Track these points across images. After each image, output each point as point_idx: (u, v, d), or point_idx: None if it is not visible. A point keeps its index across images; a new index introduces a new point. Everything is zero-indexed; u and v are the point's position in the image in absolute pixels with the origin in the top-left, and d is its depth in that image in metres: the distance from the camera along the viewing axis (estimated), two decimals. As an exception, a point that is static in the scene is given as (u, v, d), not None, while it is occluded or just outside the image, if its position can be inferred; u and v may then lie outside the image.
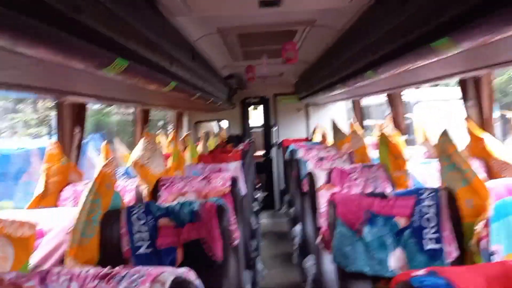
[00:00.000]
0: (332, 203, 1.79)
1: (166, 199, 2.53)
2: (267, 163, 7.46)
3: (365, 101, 7.07)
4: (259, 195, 5.96)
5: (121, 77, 1.63)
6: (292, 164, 4.48)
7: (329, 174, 2.70)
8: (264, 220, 6.73)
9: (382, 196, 1.81)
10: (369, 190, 2.63)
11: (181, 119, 6.52)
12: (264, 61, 3.32)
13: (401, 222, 1.74)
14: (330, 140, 5.33)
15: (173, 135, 5.86)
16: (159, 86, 2.07)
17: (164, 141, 5.86)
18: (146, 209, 1.78)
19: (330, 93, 4.08)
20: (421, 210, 1.74)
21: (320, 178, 2.68)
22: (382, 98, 8.20)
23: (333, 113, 7.27)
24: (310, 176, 2.70)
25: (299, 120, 7.35)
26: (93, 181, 1.71)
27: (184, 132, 6.98)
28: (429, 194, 1.77)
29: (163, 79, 2.06)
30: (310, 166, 3.55)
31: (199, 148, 4.91)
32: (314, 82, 4.44)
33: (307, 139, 6.37)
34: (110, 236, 1.71)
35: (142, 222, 1.74)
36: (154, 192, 2.55)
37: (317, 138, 6.22)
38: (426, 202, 1.75)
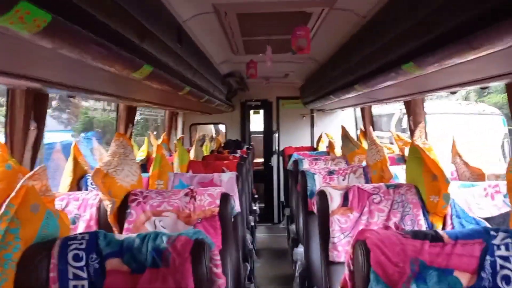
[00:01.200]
0: (362, 246, 1.22)
1: (136, 220, 1.97)
2: (266, 172, 6.89)
3: (374, 110, 6.58)
4: (256, 207, 5.40)
5: (82, 56, 1.11)
6: (295, 175, 3.93)
7: (345, 195, 2.14)
8: (261, 235, 6.16)
9: (435, 237, 1.24)
10: (395, 218, 2.07)
11: (174, 120, 5.97)
12: (268, 53, 2.77)
13: (464, 279, 1.18)
14: (338, 150, 4.78)
15: (164, 137, 5.31)
16: (128, 69, 1.52)
17: (154, 143, 5.32)
18: (90, 243, 1.22)
19: (345, 96, 3.53)
20: (493, 262, 1.18)
21: (334, 199, 2.12)
22: (390, 107, 7.63)
23: (340, 121, 6.73)
24: (322, 195, 2.14)
25: (303, 127, 6.80)
26: (7, 201, 1.15)
27: (178, 134, 6.44)
28: (504, 238, 1.21)
29: (133, 60, 1.52)
30: (318, 180, 2.99)
31: (192, 153, 4.35)
32: (325, 83, 3.90)
33: (312, 148, 5.81)
34: (31, 284, 1.15)
35: (81, 263, 1.18)
36: (122, 210, 1.99)
37: (322, 147, 5.67)
38: (501, 252, 1.18)
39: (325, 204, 2.11)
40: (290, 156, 4.95)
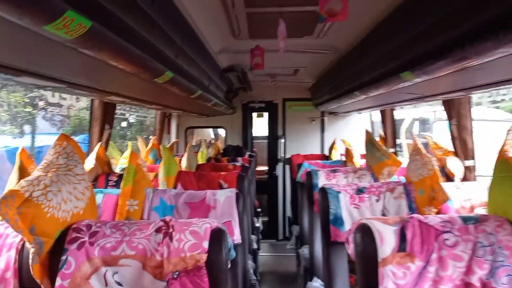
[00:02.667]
0: None
1: (75, 273, 1.24)
2: (270, 182, 6.16)
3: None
4: (259, 223, 4.67)
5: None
6: (308, 190, 3.20)
7: (402, 232, 1.40)
8: (264, 254, 5.40)
9: None
10: (481, 271, 1.33)
11: (167, 123, 5.25)
12: (281, 29, 2.05)
13: None
14: (357, 159, 4.05)
15: (154, 142, 4.59)
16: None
17: (142, 149, 4.60)
18: None
19: (375, 92, 2.81)
20: None
21: (386, 238, 1.38)
22: (397, 113, 6.85)
23: (354, 126, 6.01)
24: (365, 232, 1.41)
25: (312, 132, 6.07)
26: None
27: (172, 139, 5.73)
28: None
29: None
30: (344, 201, 2.26)
31: (183, 162, 3.62)
32: (346, 78, 3.18)
33: (324, 156, 5.08)
34: None
35: None
36: (54, 256, 1.27)
37: (336, 155, 4.93)
38: None
39: (371, 247, 1.38)
40: (299, 165, 4.22)
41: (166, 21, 1.65)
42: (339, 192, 2.30)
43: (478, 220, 1.42)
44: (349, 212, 2.27)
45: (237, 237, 2.11)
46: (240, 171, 3.71)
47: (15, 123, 9.40)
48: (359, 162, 4.03)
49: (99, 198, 2.16)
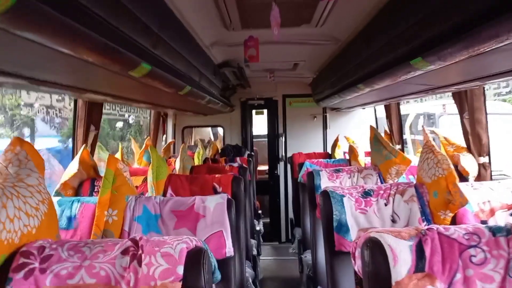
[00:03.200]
0: None
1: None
2: (272, 182, 5.93)
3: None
4: (260, 226, 4.45)
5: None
6: (310, 192, 2.97)
7: (419, 248, 1.17)
8: (266, 258, 5.18)
9: None
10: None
11: (161, 122, 5.03)
12: (274, 14, 1.82)
13: None
14: (361, 158, 3.81)
15: (147, 143, 4.38)
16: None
17: (136, 150, 4.39)
18: None
19: (371, 88, 2.58)
20: None
21: (401, 257, 1.15)
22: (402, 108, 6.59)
23: (358, 122, 5.77)
24: (376, 250, 1.18)
25: (314, 129, 5.83)
26: None
27: (169, 139, 5.51)
28: None
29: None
30: (349, 206, 2.03)
31: (177, 164, 3.39)
32: (349, 71, 2.94)
33: (327, 155, 4.84)
34: None
35: None
36: (-5, 287, 1.04)
37: (339, 154, 4.70)
38: None
39: (383, 268, 1.15)
40: (300, 165, 3.99)
41: (138, 4, 1.42)
42: (343, 196, 2.07)
43: (510, 232, 1.18)
44: (354, 218, 2.03)
45: (229, 249, 1.89)
46: (237, 172, 3.48)
47: (12, 126, 9.18)
48: (363, 160, 3.79)
49: (75, 208, 1.94)
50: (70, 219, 1.92)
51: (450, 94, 3.44)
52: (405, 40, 1.80)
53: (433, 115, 8.37)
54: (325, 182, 2.95)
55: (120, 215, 1.86)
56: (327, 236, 2.05)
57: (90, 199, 1.98)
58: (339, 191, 2.10)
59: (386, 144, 2.91)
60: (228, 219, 1.90)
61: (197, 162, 4.31)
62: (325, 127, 5.81)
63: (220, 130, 6.52)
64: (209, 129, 7.40)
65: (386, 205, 2.07)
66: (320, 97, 4.58)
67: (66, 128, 10.51)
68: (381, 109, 6.04)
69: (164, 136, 5.42)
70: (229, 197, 2.01)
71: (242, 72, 4.26)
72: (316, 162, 3.93)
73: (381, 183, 2.90)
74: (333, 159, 4.02)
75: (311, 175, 2.99)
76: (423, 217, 1.98)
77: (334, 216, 2.02)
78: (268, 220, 5.93)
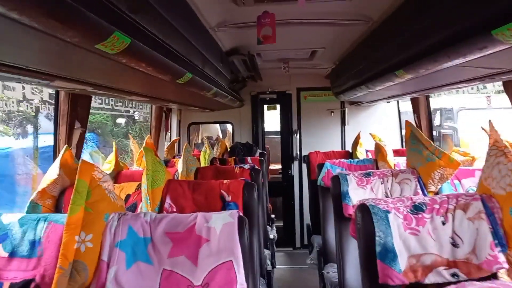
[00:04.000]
0: None
1: None
2: (286, 183, 5.46)
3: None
4: (273, 233, 4.01)
5: None
6: (335, 199, 2.51)
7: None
8: (280, 267, 4.72)
9: None
10: None
11: (164, 119, 4.58)
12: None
13: None
14: (390, 158, 3.32)
15: (147, 141, 3.95)
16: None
17: (135, 149, 3.95)
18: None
19: (415, 74, 2.09)
20: None
21: None
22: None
23: (379, 117, 5.27)
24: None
25: (332, 125, 5.35)
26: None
27: (173, 137, 5.08)
28: None
29: None
30: (395, 225, 1.55)
31: (179, 166, 2.95)
32: (380, 58, 2.46)
33: (347, 154, 4.36)
34: None
35: None
36: None
37: (361, 152, 4.21)
38: None
39: None
40: (320, 166, 3.52)
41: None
42: (388, 212, 1.59)
43: None
44: (403, 241, 1.56)
45: (241, 283, 1.43)
46: (249, 176, 3.03)
47: (11, 122, 8.82)
48: (392, 160, 3.31)
49: (40, 229, 1.50)
50: (33, 244, 1.48)
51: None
52: (477, 10, 1.32)
53: (451, 110, 7.84)
54: (353, 188, 2.48)
55: (96, 240, 1.41)
56: (367, 264, 1.58)
57: (60, 216, 1.53)
58: (382, 205, 1.62)
59: (427, 143, 2.42)
60: (240, 245, 1.45)
61: (203, 163, 3.86)
62: (343, 123, 5.32)
63: (229, 127, 6.05)
64: (217, 125, 6.95)
65: (444, 223, 1.59)
66: (341, 90, 4.09)
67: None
68: (404, 103, 5.54)
69: (168, 133, 4.98)
70: (241, 214, 1.55)
71: (253, 61, 3.79)
72: (338, 162, 3.45)
73: (422, 189, 2.42)
74: (356, 160, 3.53)
75: (336, 180, 2.52)
76: (496, 241, 1.50)
77: (377, 238, 1.55)
78: (281, 223, 5.47)
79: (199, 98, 3.58)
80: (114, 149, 3.17)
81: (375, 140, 3.53)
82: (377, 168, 3.35)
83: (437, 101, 7.69)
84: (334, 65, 4.27)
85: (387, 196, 2.46)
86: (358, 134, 4.32)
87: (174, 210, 2.20)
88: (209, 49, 2.49)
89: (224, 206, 2.21)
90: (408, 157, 2.61)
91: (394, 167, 3.27)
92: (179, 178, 2.96)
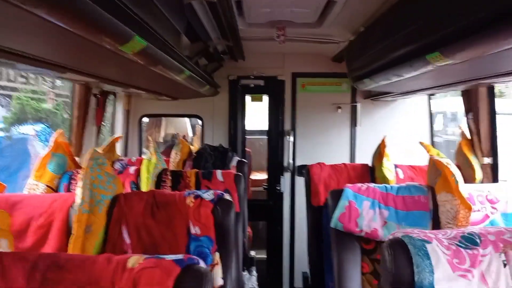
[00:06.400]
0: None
1: None
2: (272, 202, 4.01)
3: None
4: (252, 284, 2.65)
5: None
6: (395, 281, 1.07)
7: None
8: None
9: None
10: None
11: (97, 106, 3.08)
12: None
13: None
14: (464, 189, 1.91)
15: (58, 140, 2.49)
16: None
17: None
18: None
19: None
20: None
21: None
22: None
23: (403, 117, 3.90)
24: None
25: (338, 126, 3.96)
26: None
27: (117, 133, 3.63)
28: None
29: None
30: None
31: (78, 194, 1.47)
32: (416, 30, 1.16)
33: (367, 170, 2.96)
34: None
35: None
36: None
37: (389, 169, 2.81)
38: None
39: None
40: (335, 194, 2.11)
41: None
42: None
43: None
44: None
45: None
46: (211, 212, 1.62)
47: None
48: (465, 194, 1.89)
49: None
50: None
51: None
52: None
53: (455, 113, 6.80)
54: (445, 272, 1.07)
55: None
56: None
57: None
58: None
59: None
60: None
61: (143, 179, 2.40)
62: (353, 123, 3.92)
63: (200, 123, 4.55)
64: (187, 120, 5.46)
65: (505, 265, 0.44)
66: (363, 73, 2.66)
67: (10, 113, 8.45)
68: (437, 102, 4.20)
69: (109, 127, 3.50)
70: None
71: (230, 19, 2.32)
72: (366, 189, 2.04)
73: None
74: (394, 186, 2.11)
75: (402, 255, 1.11)
76: None
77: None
78: (263, 256, 4.04)
79: (150, 77, 2.19)
80: None
81: (431, 155, 2.12)
82: (435, 205, 1.97)
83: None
84: (353, 36, 2.84)
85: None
86: (383, 141, 2.93)
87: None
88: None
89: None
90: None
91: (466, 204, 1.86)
92: (73, 219, 1.52)
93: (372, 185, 2.12)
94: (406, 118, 3.86)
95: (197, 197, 1.71)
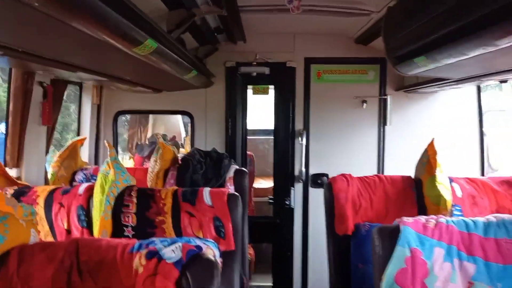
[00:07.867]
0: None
1: None
2: (279, 220, 3.24)
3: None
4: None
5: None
6: None
7: None
8: None
9: None
10: None
11: (43, 98, 2.31)
12: None
13: None
14: None
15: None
16: None
17: None
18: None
19: None
20: None
21: None
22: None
23: (441, 112, 3.14)
24: None
25: (363, 124, 3.21)
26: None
27: (85, 134, 2.90)
28: None
29: None
30: None
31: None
32: None
33: (410, 182, 2.18)
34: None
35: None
36: None
37: (445, 186, 2.03)
38: None
39: None
40: (384, 233, 1.32)
41: None
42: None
43: None
44: None
45: None
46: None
47: None
48: None
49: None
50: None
51: None
52: None
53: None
54: None
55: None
56: None
57: None
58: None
59: None
60: None
61: (96, 203, 1.65)
62: (382, 121, 3.15)
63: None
64: (179, 117, 4.69)
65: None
66: (413, 49, 1.88)
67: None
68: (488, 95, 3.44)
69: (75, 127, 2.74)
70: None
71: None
72: (436, 228, 1.27)
73: None
74: (483, 222, 1.34)
75: None
76: None
77: None
78: (269, 284, 3.28)
79: (115, 59, 1.47)
80: None
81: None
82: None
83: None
84: (394, 1, 2.06)
85: None
86: (431, 145, 2.16)
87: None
88: None
89: None
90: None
91: None
92: None
93: (443, 218, 1.34)
94: (450, 114, 3.09)
95: (151, 255, 0.94)
